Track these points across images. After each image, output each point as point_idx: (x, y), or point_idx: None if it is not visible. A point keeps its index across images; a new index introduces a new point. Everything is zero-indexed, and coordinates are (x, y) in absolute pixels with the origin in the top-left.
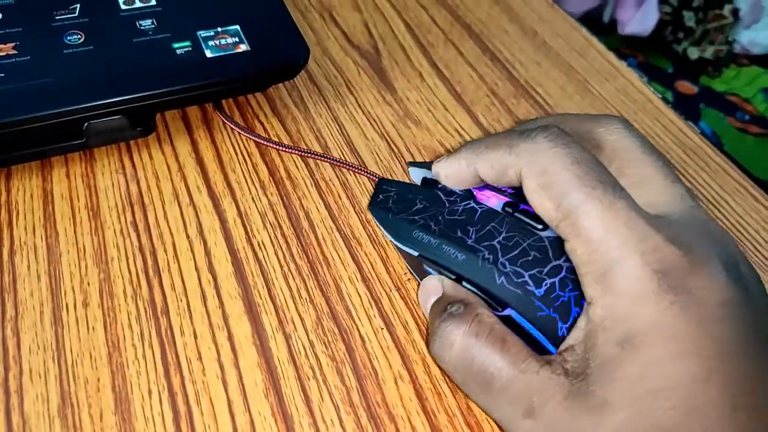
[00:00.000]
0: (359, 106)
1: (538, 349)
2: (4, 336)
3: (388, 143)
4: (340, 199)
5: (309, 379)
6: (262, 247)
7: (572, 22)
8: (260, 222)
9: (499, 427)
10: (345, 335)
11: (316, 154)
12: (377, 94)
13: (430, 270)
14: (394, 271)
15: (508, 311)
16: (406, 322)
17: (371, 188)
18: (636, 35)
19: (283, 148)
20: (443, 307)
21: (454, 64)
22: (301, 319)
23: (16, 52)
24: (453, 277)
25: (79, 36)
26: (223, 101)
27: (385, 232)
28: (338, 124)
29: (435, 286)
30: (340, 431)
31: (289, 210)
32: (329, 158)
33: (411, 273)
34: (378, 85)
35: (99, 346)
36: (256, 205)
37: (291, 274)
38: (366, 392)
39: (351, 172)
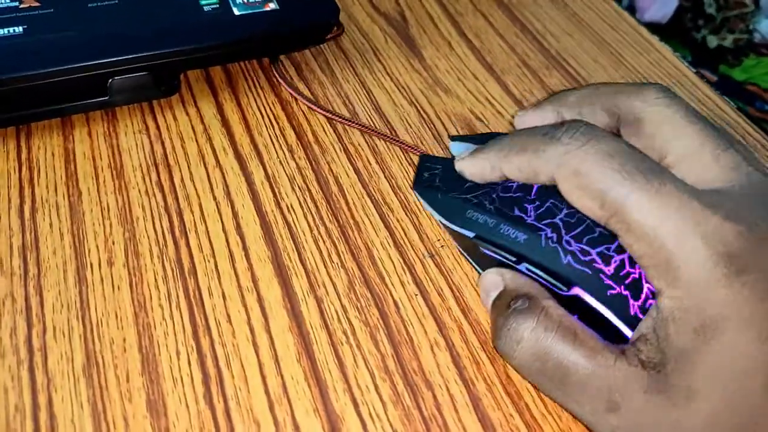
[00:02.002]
0: (387, 73)
1: (609, 330)
2: (27, 294)
3: (418, 110)
4: (370, 164)
5: (342, 344)
6: (291, 211)
7: None
8: (288, 185)
9: (580, 420)
10: (378, 301)
11: (366, 127)
12: (405, 62)
13: (487, 251)
14: (428, 238)
15: (574, 291)
16: (441, 290)
17: (401, 154)
18: (654, 22)
19: (339, 118)
20: (506, 302)
21: (484, 34)
22: (333, 284)
23: (39, 4)
24: (513, 258)
25: None
26: (247, 64)
27: (434, 213)
28: (366, 90)
29: (495, 281)
30: (376, 397)
31: (318, 174)
32: (376, 131)
33: (461, 252)
34: (406, 52)
35: (125, 305)
36: (284, 169)
37: (321, 237)
38: (402, 359)
39: (380, 138)
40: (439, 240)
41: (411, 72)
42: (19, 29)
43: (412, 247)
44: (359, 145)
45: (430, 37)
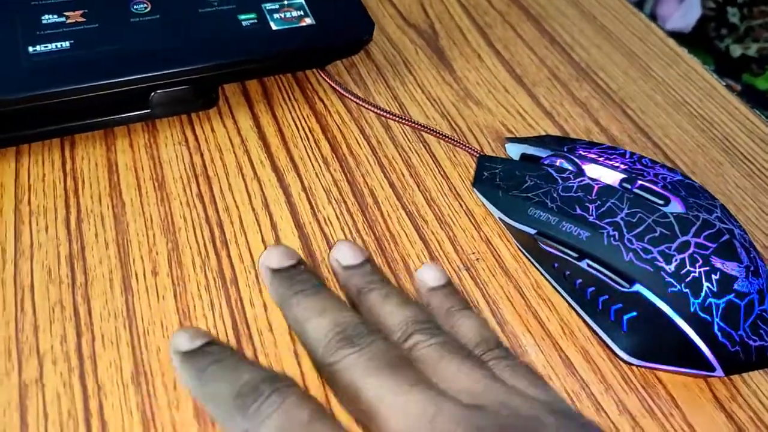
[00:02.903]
0: (418, 85)
1: (668, 327)
2: (75, 302)
3: (450, 123)
4: (404, 177)
5: None
6: (328, 223)
7: (630, 8)
8: (325, 197)
9: None
10: None
11: (439, 133)
12: (436, 74)
13: (547, 248)
14: (462, 250)
15: (636, 287)
16: (476, 302)
17: (435, 167)
18: (677, 31)
19: (415, 124)
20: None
21: (513, 46)
22: None
23: (84, 19)
24: (575, 255)
25: (146, 5)
26: (282, 77)
27: (494, 210)
28: (398, 103)
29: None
30: None
31: (353, 186)
32: (433, 130)
33: (520, 249)
34: (437, 64)
35: (170, 314)
36: (320, 181)
37: None
38: None
39: (413, 151)
40: (473, 253)
41: (442, 84)
42: (66, 44)
43: (447, 259)
44: (393, 158)
45: (460, 49)
